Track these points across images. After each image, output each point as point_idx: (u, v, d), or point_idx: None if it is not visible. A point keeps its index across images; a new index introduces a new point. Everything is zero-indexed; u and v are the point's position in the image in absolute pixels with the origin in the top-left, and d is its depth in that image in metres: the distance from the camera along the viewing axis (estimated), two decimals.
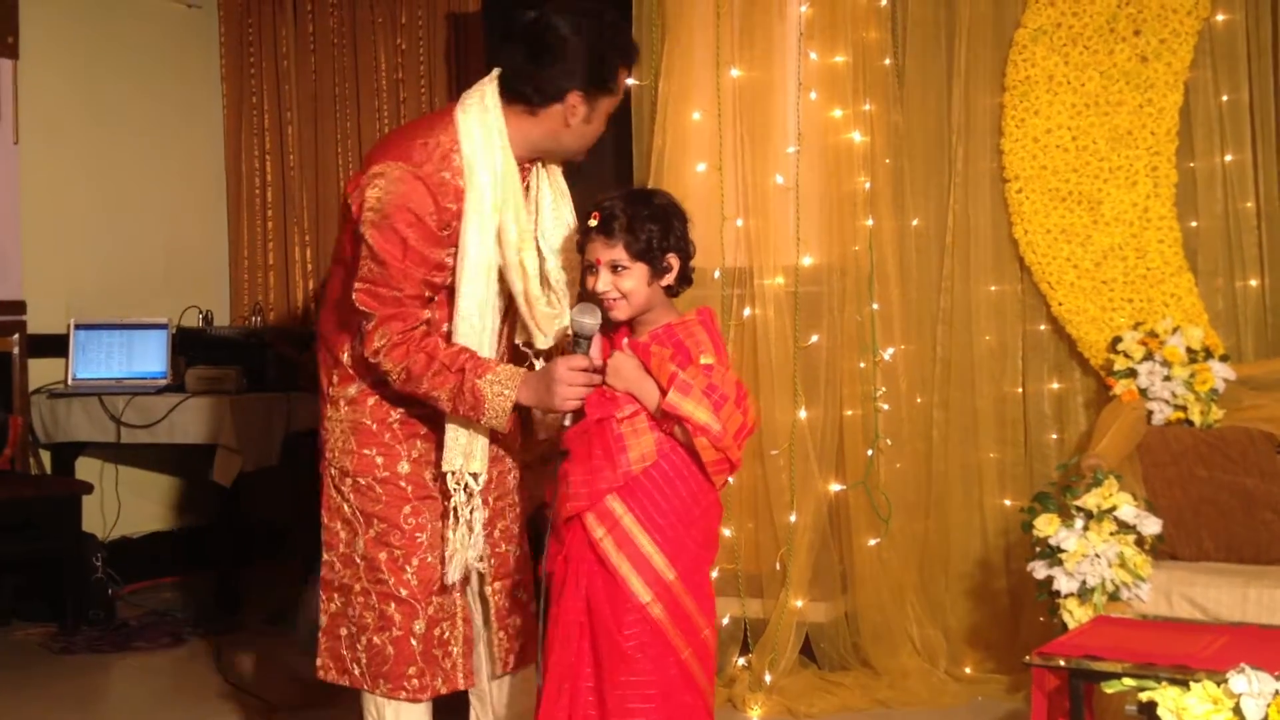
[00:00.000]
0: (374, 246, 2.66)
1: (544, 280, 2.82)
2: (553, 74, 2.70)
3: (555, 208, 2.86)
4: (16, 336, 5.35)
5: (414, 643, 2.80)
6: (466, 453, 2.77)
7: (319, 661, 2.90)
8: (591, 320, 2.65)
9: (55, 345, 5.44)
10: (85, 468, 5.47)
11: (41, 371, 5.45)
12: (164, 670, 4.53)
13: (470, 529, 2.79)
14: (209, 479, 5.15)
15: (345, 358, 2.85)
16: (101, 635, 4.84)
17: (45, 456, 5.44)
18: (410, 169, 2.66)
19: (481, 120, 2.72)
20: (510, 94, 2.74)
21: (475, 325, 2.73)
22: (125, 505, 5.59)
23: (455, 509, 2.78)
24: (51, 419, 5.33)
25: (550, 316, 2.81)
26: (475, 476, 2.79)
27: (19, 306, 5.38)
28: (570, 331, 2.66)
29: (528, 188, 2.82)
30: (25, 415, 5.31)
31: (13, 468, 5.11)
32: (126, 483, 5.65)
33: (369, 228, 2.66)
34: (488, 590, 2.92)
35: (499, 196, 2.70)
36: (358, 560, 2.83)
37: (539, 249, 2.81)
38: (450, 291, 2.75)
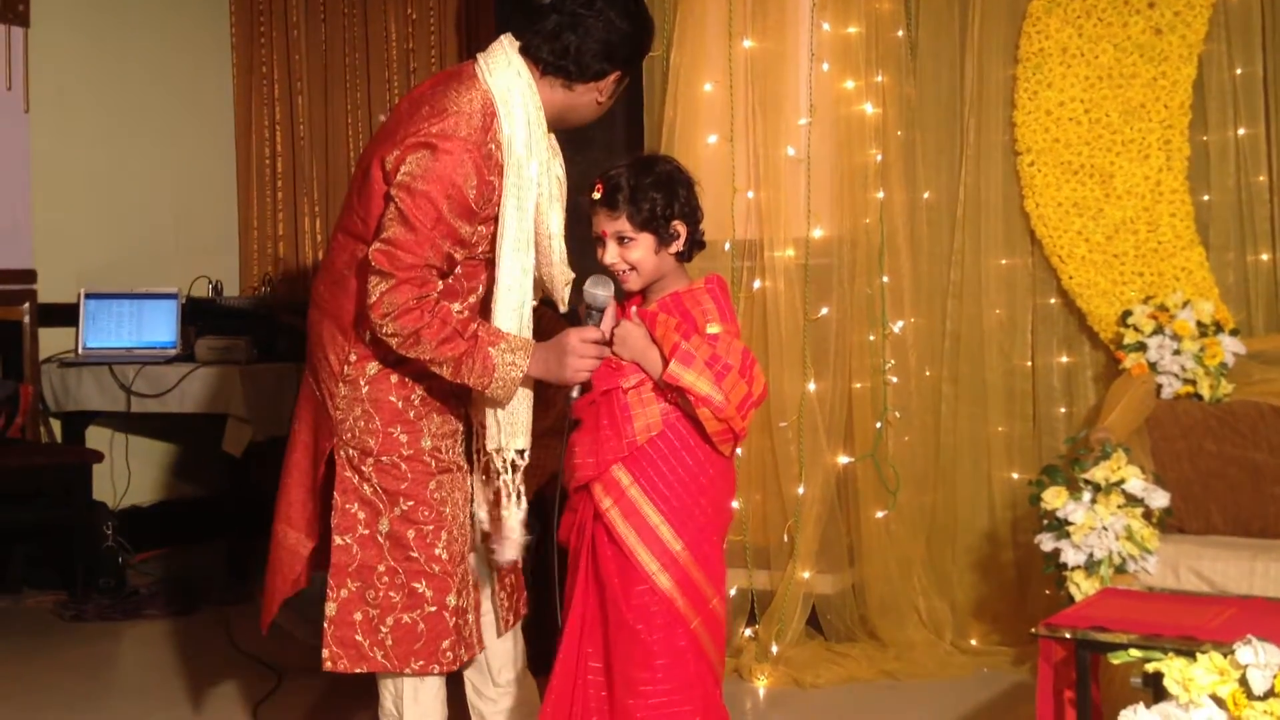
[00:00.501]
0: (405, 211, 2.61)
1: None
2: (598, 51, 2.68)
3: (554, 167, 2.84)
4: (27, 305, 5.37)
5: (448, 616, 2.75)
6: (511, 431, 2.75)
7: (326, 653, 2.79)
8: (604, 292, 2.62)
9: (65, 314, 5.46)
10: (95, 436, 5.50)
11: (52, 341, 5.47)
12: (174, 638, 4.56)
13: (520, 503, 2.78)
14: (219, 448, 5.17)
15: (367, 335, 2.77)
16: (112, 603, 4.87)
17: (56, 425, 5.47)
18: (460, 141, 2.62)
19: (520, 91, 2.69)
20: (546, 65, 2.72)
21: (517, 297, 2.71)
22: (135, 474, 5.62)
23: (505, 485, 2.77)
24: (62, 388, 5.35)
25: (565, 280, 2.82)
26: (522, 453, 2.77)
27: (29, 275, 5.40)
28: (583, 303, 2.65)
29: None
30: (36, 384, 5.33)
31: (23, 436, 5.13)
32: (136, 452, 5.68)
33: (403, 191, 2.62)
34: (484, 550, 2.91)
35: (539, 168, 2.69)
36: (381, 540, 2.77)
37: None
38: (489, 263, 2.73)
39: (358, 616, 2.76)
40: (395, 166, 2.64)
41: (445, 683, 2.88)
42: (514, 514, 2.78)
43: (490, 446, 2.76)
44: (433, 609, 2.75)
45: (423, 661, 2.75)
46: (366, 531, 2.77)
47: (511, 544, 2.79)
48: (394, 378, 2.78)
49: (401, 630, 2.75)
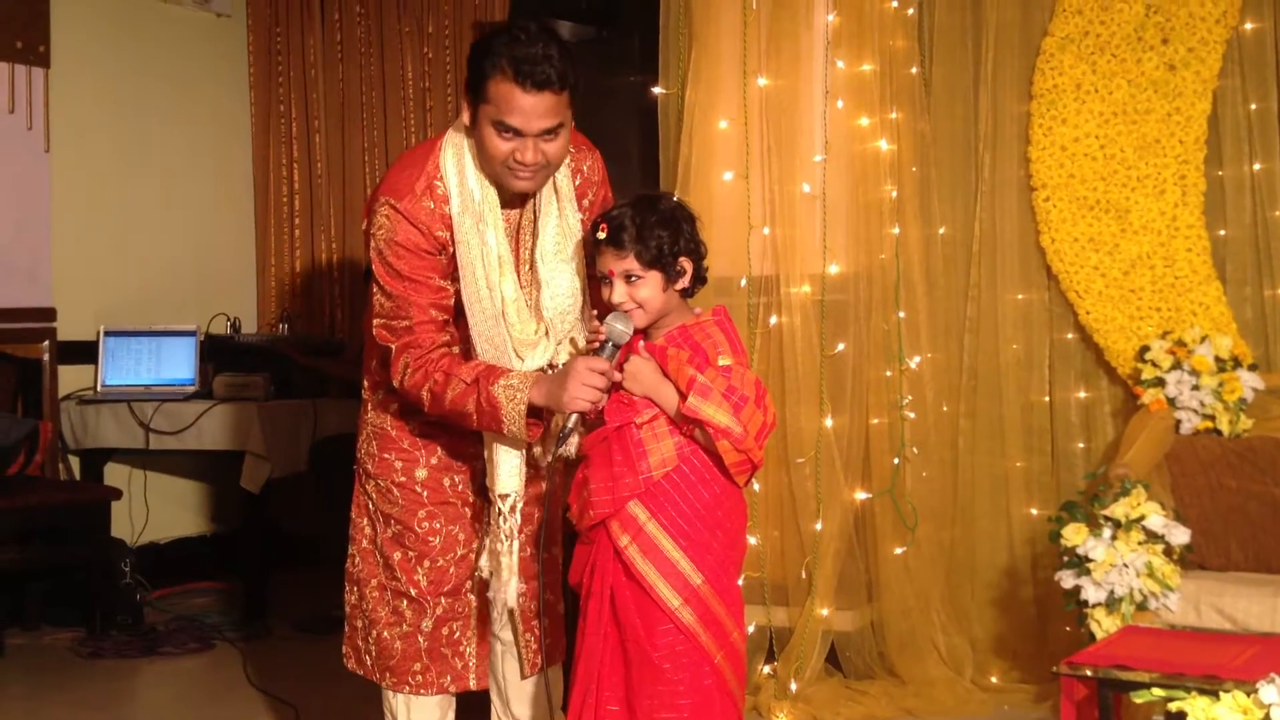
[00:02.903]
0: (379, 280, 2.74)
1: (536, 310, 2.79)
2: (465, 83, 2.69)
3: (561, 229, 2.81)
4: (46, 343, 5.40)
5: (421, 640, 2.89)
6: (519, 471, 2.79)
7: (344, 649, 3.01)
8: (625, 327, 2.62)
9: (85, 352, 5.49)
10: (114, 474, 5.52)
11: (71, 378, 5.50)
12: (191, 675, 4.56)
13: (513, 546, 2.80)
14: (237, 485, 5.19)
15: (374, 364, 2.92)
16: (129, 640, 4.87)
17: (74, 462, 5.49)
18: (392, 203, 2.70)
19: (456, 143, 2.74)
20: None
21: (491, 345, 2.74)
22: (154, 511, 5.63)
23: (503, 531, 2.78)
24: (81, 425, 5.37)
25: (527, 343, 2.78)
26: (521, 494, 2.80)
27: (49, 313, 5.43)
28: (599, 337, 2.64)
29: (523, 209, 2.81)
30: (55, 421, 5.36)
31: (42, 474, 5.15)
32: (155, 489, 5.70)
33: (373, 263, 2.75)
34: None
35: (472, 220, 2.71)
36: (377, 556, 2.92)
37: (534, 270, 2.79)
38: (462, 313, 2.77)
39: (358, 623, 2.96)
40: (365, 239, 2.78)
41: (449, 708, 2.95)
42: (507, 557, 2.79)
43: (499, 490, 2.80)
44: (409, 629, 2.90)
45: (395, 679, 2.91)
46: (368, 545, 2.95)
47: (510, 588, 2.80)
48: (394, 406, 2.91)
49: (382, 645, 2.91)
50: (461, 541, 2.90)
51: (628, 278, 2.63)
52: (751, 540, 4.09)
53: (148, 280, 5.84)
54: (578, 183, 2.88)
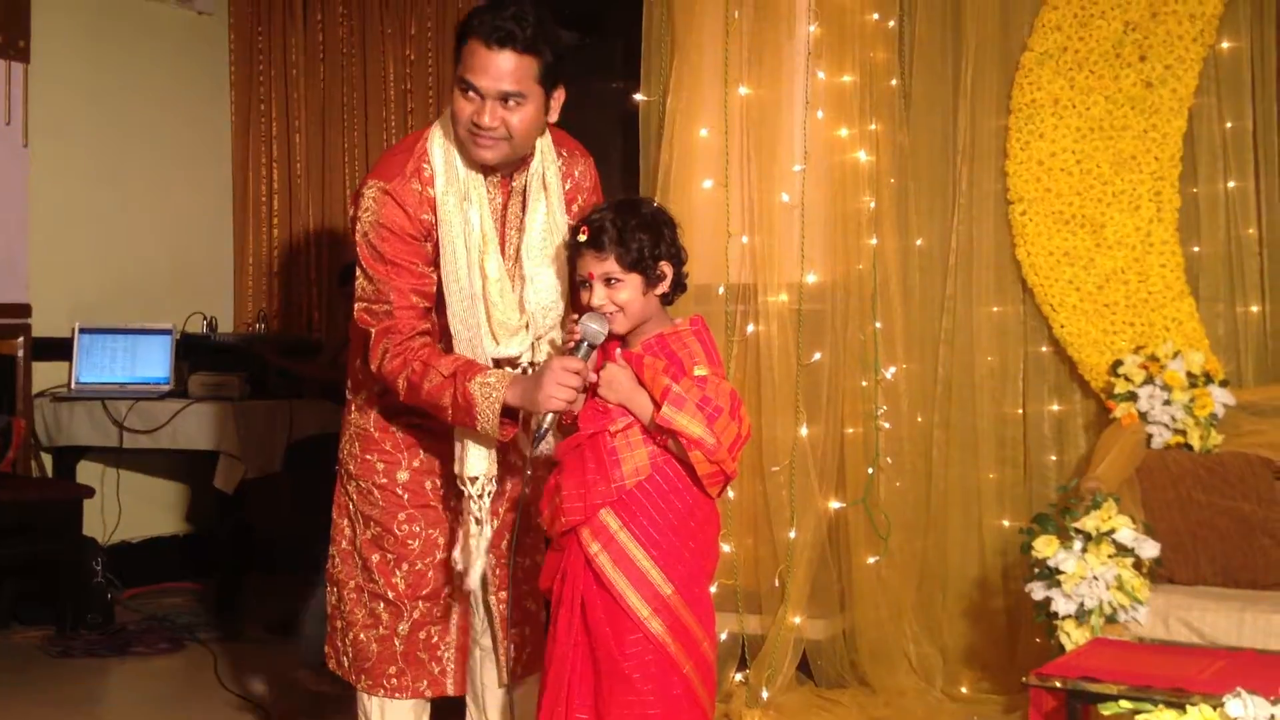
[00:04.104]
0: (362, 263, 2.75)
1: (520, 303, 2.80)
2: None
3: (548, 225, 2.83)
4: (21, 339, 5.38)
5: (397, 643, 2.87)
6: (487, 456, 2.78)
7: (326, 649, 3.00)
8: (600, 327, 2.62)
9: (59, 349, 5.47)
10: (87, 471, 5.49)
11: (45, 375, 5.47)
12: (162, 676, 4.54)
13: (483, 529, 2.80)
14: (211, 485, 5.17)
15: (358, 364, 2.91)
16: (100, 639, 4.85)
17: (47, 460, 5.46)
18: (381, 185, 2.71)
19: (445, 127, 2.76)
20: None
21: (466, 326, 2.75)
22: (126, 510, 5.60)
23: (474, 514, 2.79)
24: (54, 422, 5.35)
25: (507, 328, 2.79)
26: (491, 479, 2.80)
27: (24, 309, 5.40)
28: (575, 337, 2.63)
29: (509, 200, 2.82)
30: (28, 418, 5.33)
31: (14, 471, 5.13)
32: (128, 487, 5.67)
33: (357, 246, 2.75)
34: (492, 600, 2.93)
35: (456, 199, 2.73)
36: (356, 557, 2.91)
37: (519, 264, 2.80)
38: (442, 303, 2.77)
39: (338, 624, 2.94)
40: (350, 223, 2.78)
41: (424, 712, 2.94)
42: (476, 539, 2.79)
43: (468, 473, 2.79)
44: (385, 632, 2.89)
45: (370, 681, 2.90)
46: (348, 547, 2.93)
47: (475, 571, 2.80)
48: (377, 408, 2.91)
49: (358, 646, 2.90)
50: (441, 545, 2.89)
51: (607, 280, 2.63)
52: (725, 548, 4.10)
53: (124, 278, 5.81)
54: (567, 187, 2.89)
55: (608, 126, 5.11)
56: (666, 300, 2.72)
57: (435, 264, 2.75)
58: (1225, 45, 4.09)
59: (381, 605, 2.88)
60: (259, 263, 6.27)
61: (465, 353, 2.74)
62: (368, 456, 2.90)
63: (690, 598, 2.61)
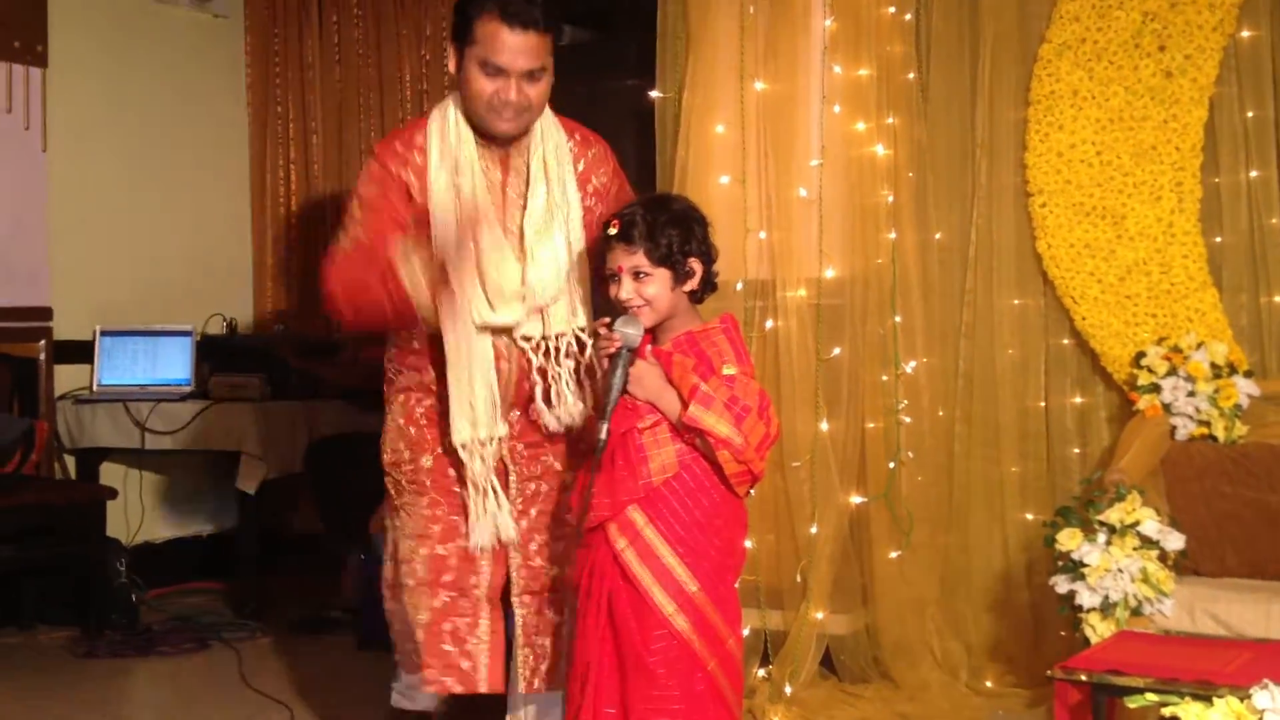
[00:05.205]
0: (350, 213, 2.87)
1: (521, 278, 2.85)
2: (449, 31, 2.85)
3: (549, 204, 2.87)
4: (43, 343, 5.40)
5: (419, 633, 2.89)
6: (472, 420, 2.82)
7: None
8: (635, 331, 2.63)
9: (81, 351, 5.49)
10: (109, 473, 5.51)
11: (67, 377, 5.49)
12: (187, 676, 4.55)
13: (488, 494, 2.84)
14: (233, 486, 5.19)
15: (393, 353, 3.01)
16: (124, 640, 4.87)
17: (70, 462, 5.49)
18: (374, 152, 2.91)
19: (444, 105, 2.89)
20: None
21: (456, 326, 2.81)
22: (149, 511, 5.63)
23: (474, 480, 2.84)
24: (76, 424, 5.37)
25: (504, 294, 2.82)
26: (485, 443, 2.83)
27: (46, 313, 5.43)
28: (615, 343, 2.64)
29: (508, 176, 2.88)
30: (50, 421, 5.36)
31: (38, 473, 5.15)
32: (150, 489, 5.70)
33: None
34: (515, 602, 2.94)
35: (449, 174, 2.81)
36: (390, 545, 2.99)
37: (522, 237, 2.85)
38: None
39: (387, 618, 3.04)
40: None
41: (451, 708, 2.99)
42: (475, 503, 2.84)
43: (455, 440, 2.85)
44: (409, 620, 2.94)
45: (408, 665, 3.00)
46: (391, 545, 3.01)
47: (480, 530, 2.84)
48: (401, 398, 2.98)
49: (395, 635, 3.03)
50: (463, 533, 2.89)
51: (636, 274, 2.65)
52: (747, 544, 4.08)
53: (144, 280, 5.83)
54: (580, 168, 2.94)
55: (623, 124, 5.11)
56: (696, 298, 2.72)
57: (424, 227, 2.83)
58: (1245, 34, 4.06)
59: (405, 594, 2.92)
60: (278, 263, 6.29)
61: (451, 317, 2.81)
62: (398, 446, 2.96)
63: (715, 595, 2.62)
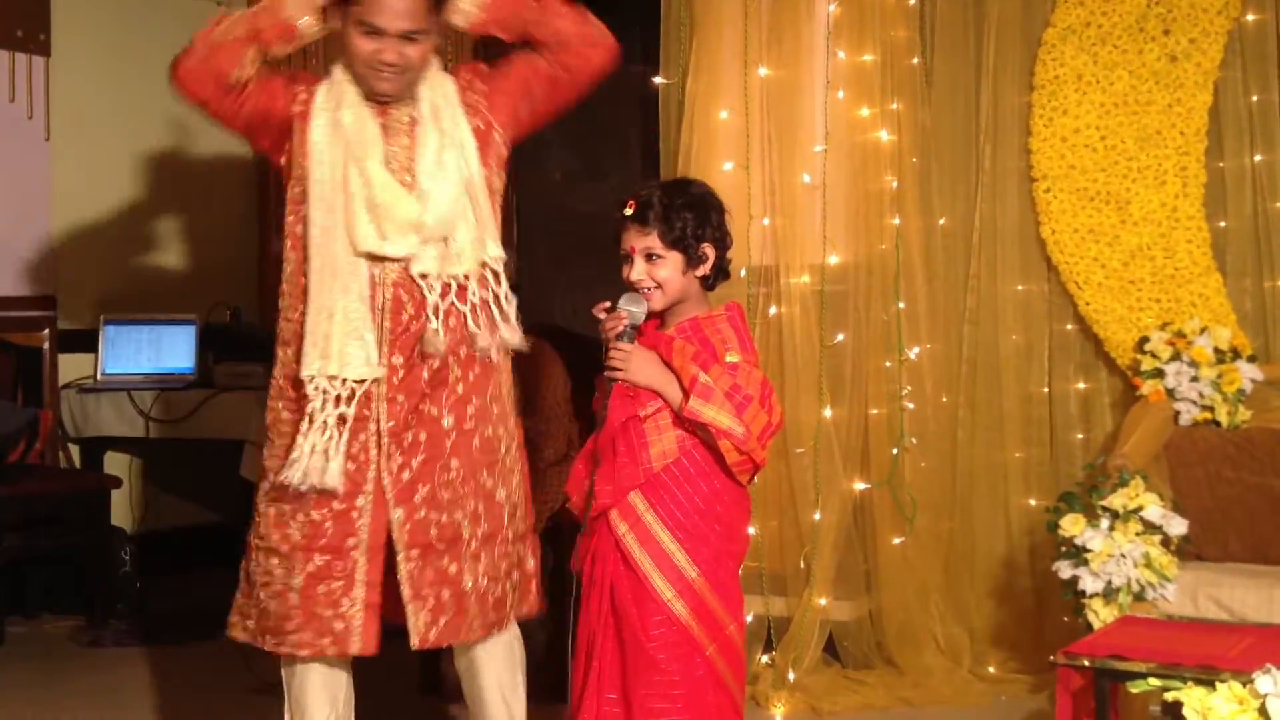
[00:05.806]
0: None
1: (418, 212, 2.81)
2: None
3: (440, 143, 2.85)
4: (46, 332, 5.40)
5: (293, 597, 2.77)
6: (323, 353, 2.73)
7: (230, 617, 2.94)
8: (639, 309, 2.63)
9: (85, 340, 5.49)
10: (114, 462, 5.52)
11: (71, 366, 5.49)
12: (191, 665, 4.56)
13: (324, 431, 2.73)
14: (237, 474, 5.18)
15: (284, 319, 2.91)
16: (129, 629, 4.89)
17: (74, 451, 5.49)
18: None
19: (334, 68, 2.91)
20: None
21: (324, 225, 2.79)
22: (153, 500, 5.64)
23: (311, 413, 2.73)
24: (81, 414, 5.37)
25: (397, 223, 2.78)
26: (333, 380, 2.74)
27: (49, 302, 5.43)
28: (622, 320, 2.62)
29: (396, 125, 2.87)
30: (55, 410, 5.36)
31: (42, 462, 5.16)
32: (155, 477, 5.70)
33: None
34: (400, 557, 2.78)
35: (330, 112, 2.83)
36: (256, 516, 2.87)
37: (416, 180, 2.83)
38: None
39: (243, 586, 2.89)
40: None
41: (339, 687, 2.88)
42: (310, 439, 2.73)
43: (304, 373, 2.75)
44: (279, 588, 2.78)
45: (275, 640, 2.80)
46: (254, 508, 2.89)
47: (296, 469, 2.74)
48: (289, 356, 2.85)
49: (260, 607, 2.83)
50: (340, 495, 2.76)
51: (648, 256, 2.64)
52: (750, 530, 4.08)
53: (148, 269, 5.83)
54: (465, 101, 2.93)
55: (627, 111, 5.10)
56: (708, 285, 2.71)
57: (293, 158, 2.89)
58: (1250, 18, 4.05)
59: (275, 560, 2.79)
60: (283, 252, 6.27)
61: (321, 245, 2.79)
62: (276, 404, 2.86)
63: (715, 581, 2.61)
